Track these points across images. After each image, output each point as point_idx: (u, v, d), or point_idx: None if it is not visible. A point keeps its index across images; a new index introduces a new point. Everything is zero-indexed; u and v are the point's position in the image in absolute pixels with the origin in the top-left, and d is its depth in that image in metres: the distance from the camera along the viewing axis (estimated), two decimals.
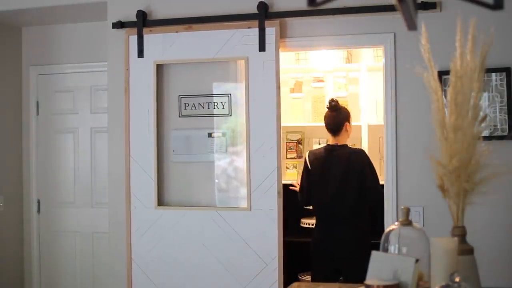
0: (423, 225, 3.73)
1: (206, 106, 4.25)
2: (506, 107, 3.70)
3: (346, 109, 4.51)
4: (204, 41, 4.17)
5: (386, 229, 2.43)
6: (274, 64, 4.02)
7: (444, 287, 1.98)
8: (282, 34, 4.04)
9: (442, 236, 2.26)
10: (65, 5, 4.59)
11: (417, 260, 2.12)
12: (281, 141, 4.14)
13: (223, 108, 4.20)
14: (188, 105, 4.27)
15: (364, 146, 4.99)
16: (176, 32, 4.21)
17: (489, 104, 3.72)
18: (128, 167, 4.30)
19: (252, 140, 4.06)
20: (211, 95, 4.24)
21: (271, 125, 4.02)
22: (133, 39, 4.29)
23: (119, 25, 4.34)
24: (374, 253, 2.26)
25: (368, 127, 5.03)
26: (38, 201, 5.32)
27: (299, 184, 4.56)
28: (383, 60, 3.97)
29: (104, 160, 4.81)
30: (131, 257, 4.27)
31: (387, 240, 2.37)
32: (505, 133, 3.69)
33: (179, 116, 4.30)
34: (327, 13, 3.90)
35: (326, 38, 4.07)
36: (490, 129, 3.70)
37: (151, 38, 4.26)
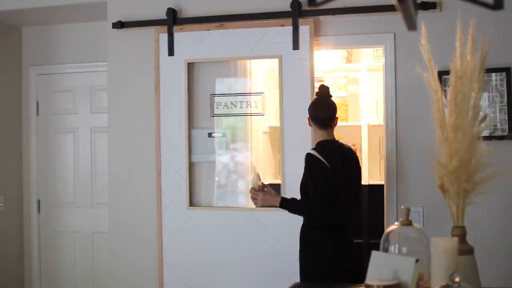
0: (423, 225, 3.73)
1: (238, 105, 4.22)
2: (506, 107, 3.70)
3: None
4: (237, 39, 4.11)
5: (386, 229, 2.43)
6: (308, 63, 3.95)
7: (444, 287, 1.98)
8: (316, 32, 3.99)
9: (442, 236, 2.26)
10: (65, 5, 4.58)
11: (417, 260, 2.12)
12: None
13: (256, 107, 4.17)
14: (220, 104, 4.24)
15: (364, 146, 4.99)
16: (208, 30, 4.15)
17: (489, 104, 3.72)
18: (159, 167, 4.23)
19: (286, 140, 4.00)
20: (244, 94, 4.21)
21: (305, 124, 3.84)
22: (163, 37, 4.23)
23: (119, 25, 4.34)
24: (374, 253, 2.26)
25: (368, 127, 5.02)
26: (38, 201, 5.31)
27: (315, 187, 3.36)
28: (383, 60, 3.97)
29: (104, 160, 4.81)
30: (162, 258, 4.22)
31: (387, 240, 2.37)
32: (505, 133, 3.69)
33: (211, 115, 4.28)
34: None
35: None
36: (490, 129, 3.70)
37: (182, 36, 4.20)
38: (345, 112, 5.24)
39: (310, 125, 3.53)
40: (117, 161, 4.42)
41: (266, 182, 3.56)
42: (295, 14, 3.97)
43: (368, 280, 2.17)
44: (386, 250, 2.35)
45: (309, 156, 3.37)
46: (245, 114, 4.22)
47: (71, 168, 5.24)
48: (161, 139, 4.24)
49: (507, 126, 3.70)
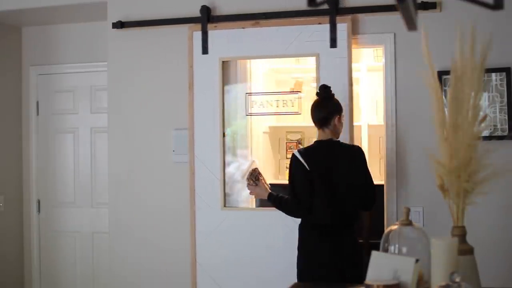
0: (423, 225, 3.72)
1: (274, 104, 4.17)
2: (506, 107, 3.70)
3: (337, 100, 3.59)
4: (272, 37, 4.05)
5: (386, 229, 2.43)
6: (346, 61, 3.89)
7: (444, 287, 1.98)
8: (354, 30, 3.94)
9: (442, 236, 2.26)
10: (65, 5, 4.58)
11: (417, 260, 2.12)
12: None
13: (293, 106, 4.14)
14: (256, 103, 4.22)
15: (364, 146, 4.99)
16: (243, 28, 4.10)
17: (489, 104, 3.72)
18: (193, 167, 4.16)
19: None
20: (280, 93, 4.16)
21: (344, 123, 3.80)
22: (197, 35, 4.15)
23: (119, 25, 4.34)
24: (374, 253, 2.26)
25: (368, 127, 5.02)
26: (38, 201, 5.31)
27: (292, 189, 3.46)
28: (383, 60, 3.97)
29: (104, 160, 4.81)
30: (196, 259, 4.15)
31: (387, 240, 2.37)
32: (505, 133, 3.69)
33: (246, 115, 4.24)
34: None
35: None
36: (490, 129, 3.70)
37: (216, 34, 4.14)
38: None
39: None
40: (117, 161, 4.42)
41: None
42: (332, 12, 3.89)
43: (368, 280, 2.17)
44: (386, 250, 2.35)
45: (292, 157, 3.46)
46: (281, 113, 4.16)
47: (71, 168, 5.24)
48: (194, 139, 4.16)
49: (507, 126, 3.70)
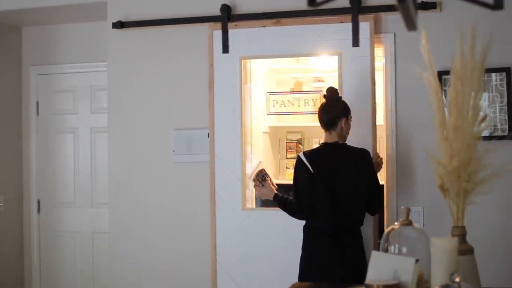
0: (423, 225, 3.73)
1: (296, 103, 4.13)
2: (506, 107, 3.70)
3: (344, 102, 3.60)
4: (294, 36, 4.02)
5: (386, 229, 2.43)
6: (369, 60, 3.86)
7: (444, 287, 1.98)
8: (377, 29, 3.92)
9: (442, 236, 2.26)
10: (65, 5, 4.58)
11: (417, 260, 2.12)
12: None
13: (315, 105, 4.10)
14: (277, 102, 4.17)
15: None
16: (264, 26, 4.07)
17: (489, 104, 3.72)
18: (213, 166, 4.13)
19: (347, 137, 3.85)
20: (301, 92, 4.12)
21: (366, 123, 3.81)
22: (217, 34, 4.12)
23: (119, 25, 4.33)
24: (374, 253, 2.26)
25: None
26: (38, 201, 5.31)
27: (296, 192, 3.49)
28: (383, 60, 3.97)
29: (104, 160, 4.81)
30: (216, 259, 4.12)
31: (387, 240, 2.37)
32: (505, 133, 3.69)
33: (267, 114, 4.19)
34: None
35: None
36: (490, 129, 3.70)
37: (236, 33, 4.11)
38: None
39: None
40: (117, 161, 4.43)
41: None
42: (354, 10, 3.85)
43: (368, 280, 2.18)
44: (386, 250, 2.35)
45: (297, 159, 3.47)
46: (302, 113, 4.12)
47: (71, 168, 5.25)
48: (215, 138, 4.13)
49: (507, 126, 3.70)
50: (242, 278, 4.08)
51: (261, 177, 3.66)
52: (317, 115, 3.54)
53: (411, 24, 1.82)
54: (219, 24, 4.12)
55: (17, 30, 5.29)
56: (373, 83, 3.87)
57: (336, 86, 3.92)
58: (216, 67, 4.14)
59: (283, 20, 4.04)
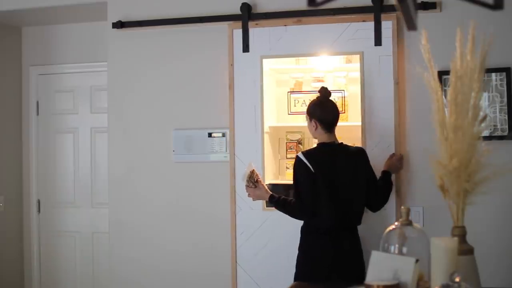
0: (423, 225, 3.72)
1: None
2: (506, 107, 3.70)
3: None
4: (315, 35, 4.00)
5: (386, 229, 2.43)
6: (391, 59, 3.84)
7: (444, 287, 1.98)
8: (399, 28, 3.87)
9: (442, 236, 2.26)
10: (65, 5, 4.58)
11: (417, 260, 2.12)
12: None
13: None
14: (298, 101, 4.18)
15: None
16: (285, 25, 4.04)
17: (489, 104, 3.72)
18: (233, 166, 4.11)
19: (368, 137, 3.87)
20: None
21: (388, 122, 3.80)
22: (237, 33, 4.10)
23: (119, 25, 4.34)
24: (374, 253, 2.26)
25: None
26: (38, 201, 5.32)
27: (297, 192, 3.48)
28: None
29: (104, 160, 4.81)
30: (236, 260, 4.10)
31: (387, 240, 2.37)
32: (505, 133, 3.69)
33: (288, 114, 4.20)
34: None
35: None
36: (490, 129, 3.70)
37: (257, 32, 4.08)
38: (345, 112, 5.23)
39: (312, 125, 3.54)
40: (117, 161, 4.43)
41: (267, 182, 3.68)
42: (377, 9, 3.84)
43: (368, 280, 2.17)
44: (386, 250, 2.35)
45: (296, 159, 3.46)
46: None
47: (71, 168, 5.25)
48: (235, 138, 4.12)
49: (507, 126, 3.70)
50: (263, 279, 4.04)
51: (253, 178, 3.66)
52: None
53: (411, 24, 1.82)
54: (239, 23, 4.10)
55: (17, 30, 5.30)
56: (396, 83, 3.85)
57: (358, 87, 3.98)
58: (236, 66, 4.13)
59: (304, 19, 4.03)
